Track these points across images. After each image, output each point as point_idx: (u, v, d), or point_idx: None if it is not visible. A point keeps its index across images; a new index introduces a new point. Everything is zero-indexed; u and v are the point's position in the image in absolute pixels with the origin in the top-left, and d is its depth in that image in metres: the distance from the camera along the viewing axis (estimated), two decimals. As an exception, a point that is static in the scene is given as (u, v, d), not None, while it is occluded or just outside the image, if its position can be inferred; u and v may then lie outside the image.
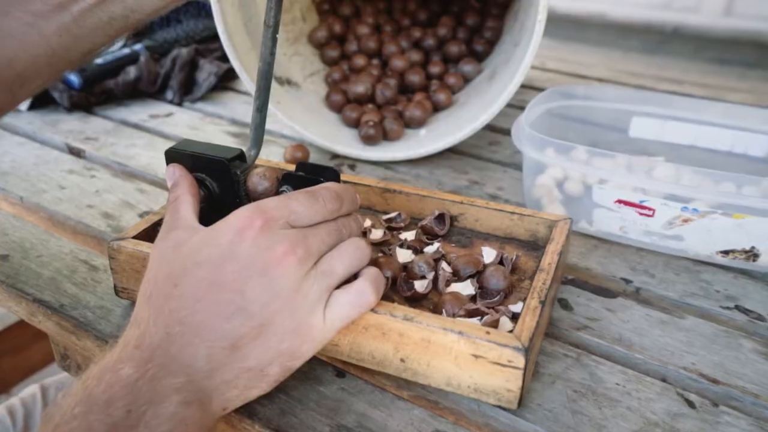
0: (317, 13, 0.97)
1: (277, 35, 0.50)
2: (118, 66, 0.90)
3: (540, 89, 1.02)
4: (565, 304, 0.53)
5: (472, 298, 0.48)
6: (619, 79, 1.09)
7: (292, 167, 0.62)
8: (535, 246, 0.55)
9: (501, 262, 0.51)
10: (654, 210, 0.56)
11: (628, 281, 0.56)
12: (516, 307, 0.47)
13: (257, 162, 0.62)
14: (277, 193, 0.48)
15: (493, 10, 0.96)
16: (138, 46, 0.94)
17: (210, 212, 0.50)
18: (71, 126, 0.83)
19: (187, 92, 0.93)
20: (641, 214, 0.57)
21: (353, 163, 0.76)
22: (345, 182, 0.59)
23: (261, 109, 0.50)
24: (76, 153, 0.77)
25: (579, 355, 0.47)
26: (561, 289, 0.55)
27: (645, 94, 0.73)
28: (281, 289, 0.39)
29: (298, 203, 0.42)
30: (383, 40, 0.91)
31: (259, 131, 0.51)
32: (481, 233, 0.57)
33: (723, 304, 0.53)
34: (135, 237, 0.50)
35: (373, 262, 0.50)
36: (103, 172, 0.72)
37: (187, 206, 0.46)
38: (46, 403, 0.71)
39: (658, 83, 1.06)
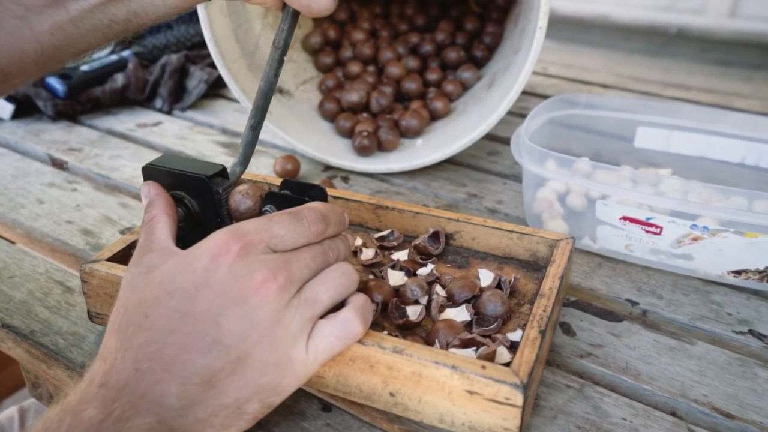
0: (311, 17, 0.94)
1: (285, 57, 0.48)
2: (105, 73, 0.87)
3: (542, 96, 0.99)
4: (567, 329, 0.50)
5: (468, 325, 0.45)
6: (624, 85, 1.06)
7: (280, 181, 0.59)
8: (536, 266, 0.52)
9: (499, 286, 0.48)
10: (661, 228, 0.53)
11: (634, 303, 0.53)
12: (515, 335, 0.44)
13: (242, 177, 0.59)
14: (260, 213, 0.45)
15: (493, 14, 0.93)
16: (126, 53, 0.91)
17: (190, 233, 0.48)
18: (55, 136, 0.80)
19: (176, 100, 0.90)
20: (648, 232, 0.54)
21: (346, 175, 0.73)
22: (335, 198, 0.57)
23: (255, 128, 0.48)
24: (58, 164, 0.74)
25: (582, 385, 0.44)
26: (563, 311, 0.52)
27: (651, 102, 0.70)
28: (260, 320, 0.36)
29: (280, 225, 0.40)
30: (379, 46, 0.88)
31: (248, 149, 0.48)
32: (479, 252, 0.54)
33: (736, 328, 0.50)
34: (110, 259, 0.47)
35: (363, 286, 0.47)
36: (85, 185, 0.69)
37: (162, 227, 0.43)
38: (23, 425, 0.68)
39: (663, 89, 1.03)
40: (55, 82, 0.83)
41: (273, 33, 0.83)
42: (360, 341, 0.39)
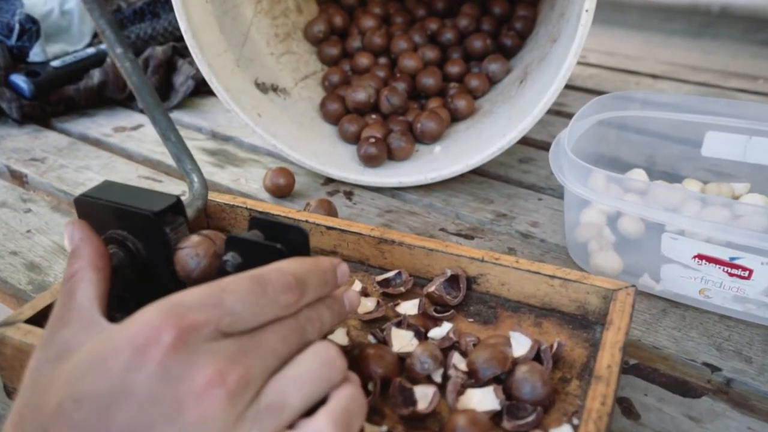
0: (316, 2, 0.83)
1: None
2: (79, 69, 0.77)
3: (581, 89, 0.86)
4: (628, 408, 0.38)
5: (496, 415, 0.33)
6: (677, 75, 0.92)
7: (271, 207, 0.48)
8: (585, 323, 0.40)
9: (538, 357, 0.36)
10: (751, 271, 0.41)
11: (714, 368, 0.41)
12: (561, 433, 0.32)
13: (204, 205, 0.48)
14: (220, 271, 0.34)
15: (524, -5, 0.80)
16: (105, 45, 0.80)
17: (137, 283, 0.37)
18: (18, 143, 0.70)
19: (162, 98, 0.79)
20: (732, 275, 0.42)
21: (350, 189, 0.62)
22: (328, 228, 0.45)
23: (168, 136, 0.37)
24: (17, 177, 0.64)
25: (653, 500, 0.32)
26: (621, 380, 0.40)
27: (722, 100, 0.57)
28: (201, 443, 0.25)
29: (236, 297, 0.28)
30: (392, 34, 0.76)
31: (187, 167, 0.37)
32: (510, 302, 0.42)
33: None
34: (32, 319, 0.37)
35: (359, 355, 0.36)
36: (42, 204, 0.59)
37: (85, 288, 0.32)
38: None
39: (724, 79, 0.89)
40: (20, 81, 0.72)
41: (268, 20, 0.71)
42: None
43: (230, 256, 0.34)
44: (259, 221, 0.35)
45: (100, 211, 0.37)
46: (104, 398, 0.26)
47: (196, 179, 0.46)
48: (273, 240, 0.34)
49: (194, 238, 0.36)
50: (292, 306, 0.30)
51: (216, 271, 0.36)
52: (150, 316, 0.27)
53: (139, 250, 0.37)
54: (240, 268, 0.34)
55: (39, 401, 0.27)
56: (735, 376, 0.40)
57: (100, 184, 0.38)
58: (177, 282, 0.36)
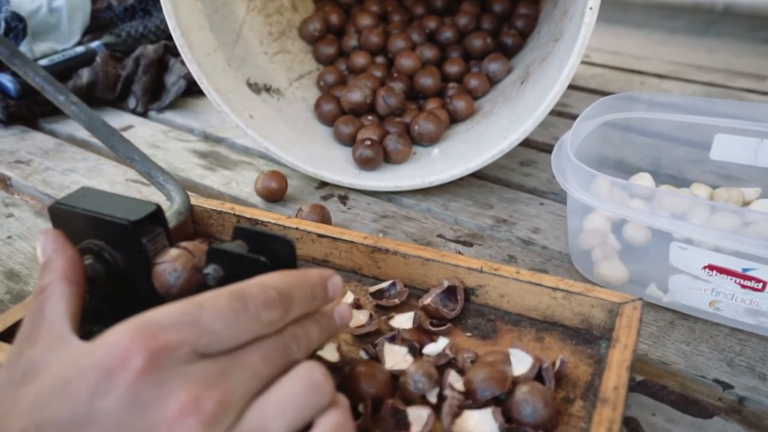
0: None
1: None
2: (68, 68, 0.74)
3: (585, 89, 0.84)
4: (635, 430, 0.36)
5: (496, 440, 0.31)
6: (683, 74, 0.90)
7: (260, 212, 0.46)
8: (588, 337, 0.38)
9: (539, 376, 0.34)
10: (765, 283, 0.39)
11: (725, 386, 0.38)
12: (564, 460, 0.30)
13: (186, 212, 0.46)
14: (201, 284, 0.32)
15: (526, -8, 0.78)
16: (95, 44, 0.78)
17: (116, 295, 0.35)
18: (3, 144, 0.68)
19: (153, 99, 0.77)
20: (745, 287, 0.39)
21: (345, 193, 0.60)
22: (319, 236, 0.43)
23: (132, 157, 0.36)
24: (1, 180, 0.62)
25: None
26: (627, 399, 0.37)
27: (728, 102, 0.55)
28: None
29: (214, 315, 0.26)
30: (390, 32, 0.74)
31: (159, 179, 0.36)
32: (510, 315, 0.40)
33: None
34: (1, 335, 0.35)
35: (350, 373, 0.34)
36: (25, 209, 0.57)
37: (56, 304, 0.30)
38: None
39: (731, 79, 0.87)
40: (6, 80, 0.70)
41: (261, 18, 0.69)
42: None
43: (212, 269, 0.32)
44: (243, 231, 0.33)
45: (75, 219, 0.35)
46: (67, 426, 0.24)
47: (171, 188, 0.44)
48: (258, 251, 0.32)
49: (172, 252, 0.34)
50: (275, 323, 0.28)
51: (197, 285, 0.34)
52: (119, 336, 0.25)
53: (116, 261, 0.35)
54: (222, 281, 0.32)
55: (1, 426, 0.25)
56: (748, 394, 0.38)
57: (77, 190, 0.36)
58: (157, 294, 0.34)
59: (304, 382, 0.27)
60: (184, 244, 0.35)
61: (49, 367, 0.27)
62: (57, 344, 0.28)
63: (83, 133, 0.71)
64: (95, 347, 0.25)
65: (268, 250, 0.32)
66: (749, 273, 0.39)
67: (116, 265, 0.35)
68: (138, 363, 0.24)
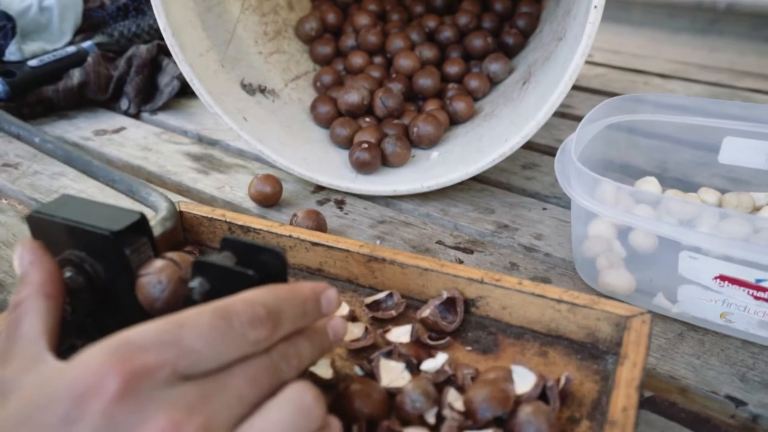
0: (308, -2, 0.79)
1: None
2: (59, 68, 0.73)
3: (587, 89, 0.82)
4: (643, 449, 0.34)
5: (497, 464, 0.30)
6: (686, 74, 0.88)
7: (252, 219, 0.44)
8: (594, 352, 0.36)
9: (543, 394, 0.32)
10: (779, 295, 0.37)
11: (738, 402, 0.37)
12: (570, 486, 0.28)
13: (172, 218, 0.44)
14: (188, 298, 0.30)
15: (527, -9, 0.76)
16: (87, 43, 0.76)
17: (97, 308, 0.34)
18: (-9, 148, 0.66)
19: (145, 100, 0.75)
20: (758, 298, 0.38)
21: (342, 198, 0.58)
22: (313, 244, 0.41)
23: (112, 179, 0.36)
24: (-12, 185, 0.60)
25: None
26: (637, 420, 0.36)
27: (736, 104, 0.53)
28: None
29: (196, 334, 0.25)
30: (388, 32, 0.72)
31: (142, 193, 0.34)
32: (512, 327, 0.38)
33: None
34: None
35: (343, 391, 0.32)
36: (11, 214, 0.55)
37: (32, 320, 0.29)
38: None
39: (737, 79, 0.85)
40: (-6, 81, 0.68)
41: (256, 17, 0.68)
42: None
43: (197, 283, 0.30)
44: (232, 242, 0.32)
45: (55, 229, 0.33)
46: (36, 458, 0.22)
47: (155, 199, 0.43)
48: (246, 263, 0.31)
49: (157, 263, 0.32)
50: (262, 342, 0.26)
51: (183, 298, 0.32)
52: (93, 358, 0.23)
53: (98, 272, 0.33)
54: (208, 295, 0.30)
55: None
56: (762, 411, 0.36)
57: (58, 198, 0.35)
58: (142, 308, 0.33)
59: (294, 407, 0.25)
60: (169, 254, 0.33)
61: (21, 390, 0.25)
62: (31, 364, 0.26)
63: (74, 136, 0.69)
64: (69, 370, 0.24)
65: (257, 263, 0.30)
66: (763, 284, 0.37)
67: (98, 277, 0.33)
68: (112, 387, 0.23)
